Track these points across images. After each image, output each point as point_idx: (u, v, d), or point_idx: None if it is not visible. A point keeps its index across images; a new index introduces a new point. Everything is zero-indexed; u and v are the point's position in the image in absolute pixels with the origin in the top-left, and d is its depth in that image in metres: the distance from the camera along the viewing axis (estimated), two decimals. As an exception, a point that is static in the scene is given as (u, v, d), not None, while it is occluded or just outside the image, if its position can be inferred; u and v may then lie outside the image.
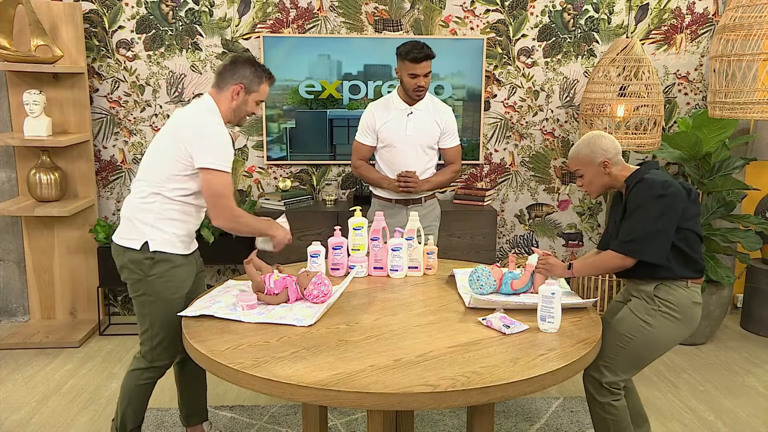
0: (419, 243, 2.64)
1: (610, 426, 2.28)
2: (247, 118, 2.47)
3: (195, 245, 2.49)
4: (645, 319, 2.20)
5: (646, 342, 2.20)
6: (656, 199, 2.12)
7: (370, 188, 3.32)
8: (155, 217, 2.30)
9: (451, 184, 4.24)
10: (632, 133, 3.67)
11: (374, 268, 2.60)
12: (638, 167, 2.27)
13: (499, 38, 4.11)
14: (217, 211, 2.26)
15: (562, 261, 2.51)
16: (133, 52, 4.00)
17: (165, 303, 2.33)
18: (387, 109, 3.14)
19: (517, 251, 4.38)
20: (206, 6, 3.98)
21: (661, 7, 4.14)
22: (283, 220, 2.54)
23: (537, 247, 4.35)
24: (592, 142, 2.27)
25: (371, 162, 3.27)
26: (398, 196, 3.17)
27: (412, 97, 3.07)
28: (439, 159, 3.27)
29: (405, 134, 3.11)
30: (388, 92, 3.31)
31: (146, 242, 2.30)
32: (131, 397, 2.43)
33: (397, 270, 2.57)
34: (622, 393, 2.29)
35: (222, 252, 3.83)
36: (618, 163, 2.27)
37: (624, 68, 3.65)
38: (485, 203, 4.05)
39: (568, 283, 4.03)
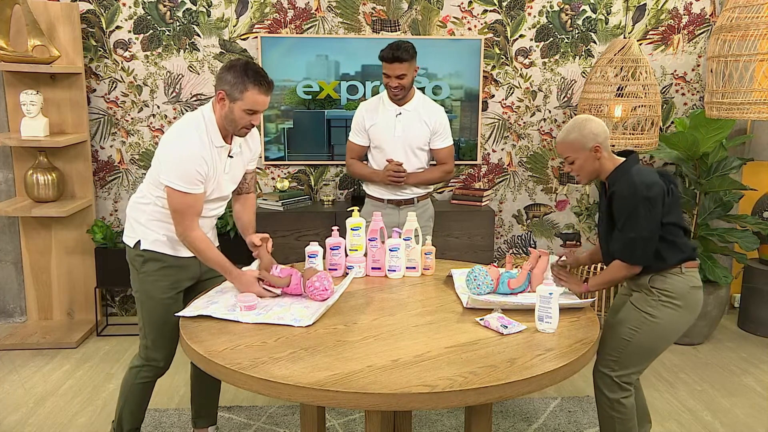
0: (417, 243, 2.64)
1: (616, 424, 2.28)
2: (246, 129, 2.26)
3: None
4: (647, 311, 2.22)
5: (651, 333, 2.21)
6: (642, 202, 2.11)
7: (363, 188, 3.32)
8: (147, 218, 2.35)
9: (449, 184, 4.25)
10: (630, 134, 3.67)
11: (372, 268, 2.60)
12: (622, 161, 2.24)
13: (496, 38, 4.12)
14: (175, 223, 2.26)
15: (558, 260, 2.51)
16: (130, 52, 4.00)
17: (155, 302, 2.36)
18: (376, 110, 3.14)
19: (514, 251, 4.38)
20: (204, 6, 3.97)
21: (659, 8, 4.15)
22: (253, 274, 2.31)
23: (535, 247, 4.35)
24: (581, 126, 2.21)
25: (365, 162, 3.28)
26: (390, 195, 3.17)
27: (390, 96, 3.08)
28: (432, 161, 3.26)
29: (393, 135, 3.10)
30: (386, 92, 3.31)
31: (139, 240, 2.36)
32: (128, 396, 2.44)
33: (394, 270, 2.57)
34: (632, 391, 2.29)
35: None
36: (606, 149, 2.23)
37: (621, 68, 3.65)
38: (483, 203, 4.05)
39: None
